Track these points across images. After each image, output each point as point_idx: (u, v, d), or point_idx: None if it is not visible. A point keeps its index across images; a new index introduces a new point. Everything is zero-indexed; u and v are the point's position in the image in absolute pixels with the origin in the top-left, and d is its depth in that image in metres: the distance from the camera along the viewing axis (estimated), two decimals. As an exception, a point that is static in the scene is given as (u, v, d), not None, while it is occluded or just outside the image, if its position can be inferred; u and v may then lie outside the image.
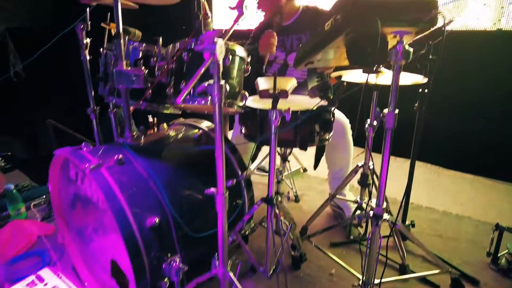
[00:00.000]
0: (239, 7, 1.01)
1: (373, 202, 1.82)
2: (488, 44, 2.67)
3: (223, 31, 0.94)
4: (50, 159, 1.48)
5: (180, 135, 1.61)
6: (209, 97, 1.28)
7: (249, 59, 1.47)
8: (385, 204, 1.36)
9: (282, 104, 1.30)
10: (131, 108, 1.48)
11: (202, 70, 0.89)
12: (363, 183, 1.84)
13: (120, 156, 1.27)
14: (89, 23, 1.79)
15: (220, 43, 0.90)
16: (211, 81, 0.95)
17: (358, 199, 1.94)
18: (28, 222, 2.08)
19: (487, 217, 2.19)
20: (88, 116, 1.95)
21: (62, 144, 2.80)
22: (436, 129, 2.82)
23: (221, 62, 0.92)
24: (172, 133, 1.60)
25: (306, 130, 1.49)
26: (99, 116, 1.97)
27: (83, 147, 1.36)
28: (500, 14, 2.61)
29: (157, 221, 1.19)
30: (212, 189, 1.07)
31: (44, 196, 2.45)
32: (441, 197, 2.49)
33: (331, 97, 1.39)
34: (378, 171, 1.74)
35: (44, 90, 3.66)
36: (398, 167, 2.72)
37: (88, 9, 1.78)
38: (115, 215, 1.13)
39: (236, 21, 1.02)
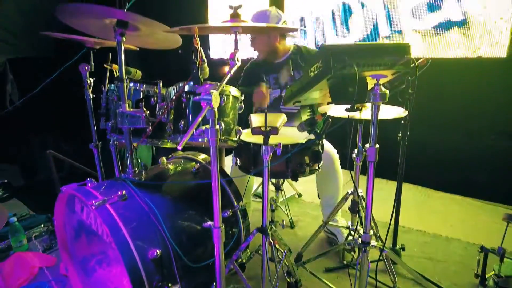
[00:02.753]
0: (232, 59, 1.14)
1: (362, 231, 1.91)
2: (470, 70, 2.82)
3: (217, 84, 1.07)
4: (49, 187, 1.55)
5: (179, 169, 1.71)
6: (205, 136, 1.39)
7: (242, 98, 1.60)
8: (374, 228, 1.45)
9: (273, 138, 1.42)
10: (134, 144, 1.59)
11: (200, 118, 1.00)
12: (353, 209, 1.94)
13: (123, 192, 1.37)
14: (93, 65, 1.92)
15: (215, 94, 1.02)
16: (207, 126, 1.06)
17: (350, 225, 2.02)
18: (30, 254, 2.13)
19: (475, 239, 2.27)
20: (87, 146, 2.05)
21: (61, 172, 2.87)
22: (425, 152, 2.95)
23: (216, 110, 1.03)
24: (171, 166, 1.70)
25: (297, 162, 1.60)
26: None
27: (87, 183, 1.45)
28: (480, 43, 2.79)
29: (158, 253, 1.27)
30: (209, 223, 1.16)
31: (42, 225, 2.48)
32: (431, 219, 2.57)
33: (318, 132, 1.51)
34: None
35: (43, 120, 3.74)
36: (390, 189, 2.81)
37: (91, 52, 1.92)
38: (119, 248, 1.21)
39: (229, 72, 1.14)
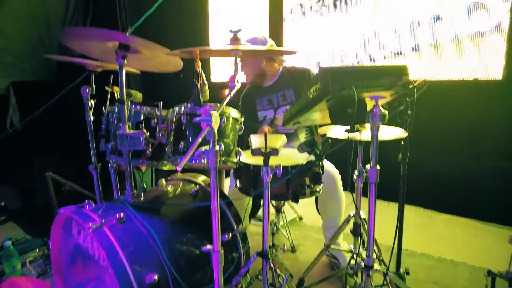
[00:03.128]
0: (232, 81, 1.16)
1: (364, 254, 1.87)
2: (467, 92, 2.85)
3: (218, 105, 1.07)
4: (47, 211, 1.53)
5: (178, 191, 1.69)
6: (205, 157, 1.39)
7: (242, 119, 1.60)
8: (377, 251, 1.42)
9: (273, 159, 1.41)
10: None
11: (200, 139, 1.00)
12: (356, 232, 1.90)
13: (121, 214, 1.34)
14: (94, 87, 1.95)
15: (215, 115, 1.02)
16: (207, 147, 1.06)
17: (352, 248, 1.98)
18: (24, 279, 2.08)
19: (482, 262, 2.22)
20: (87, 168, 2.04)
21: (60, 195, 2.84)
22: (425, 173, 2.94)
23: (216, 131, 1.03)
24: (170, 189, 1.69)
25: (297, 183, 1.58)
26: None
27: (85, 205, 1.43)
28: (477, 65, 2.83)
29: (156, 278, 1.23)
30: (208, 247, 1.13)
31: (37, 249, 2.43)
32: (435, 242, 2.52)
33: (318, 153, 1.50)
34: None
35: (42, 142, 3.75)
36: (392, 212, 2.75)
37: (93, 75, 1.95)
38: (116, 273, 1.17)
39: (229, 94, 1.15)
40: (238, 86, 1.17)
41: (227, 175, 2.73)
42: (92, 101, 1.96)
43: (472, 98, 2.85)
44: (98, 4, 4.49)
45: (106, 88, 1.95)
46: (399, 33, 3.09)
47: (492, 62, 2.76)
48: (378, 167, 1.30)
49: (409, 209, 2.89)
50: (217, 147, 1.06)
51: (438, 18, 2.90)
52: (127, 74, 2.05)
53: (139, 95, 1.88)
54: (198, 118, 1.02)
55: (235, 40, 1.24)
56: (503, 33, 2.66)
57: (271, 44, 2.24)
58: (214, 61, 4.26)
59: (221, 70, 4.21)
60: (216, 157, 1.05)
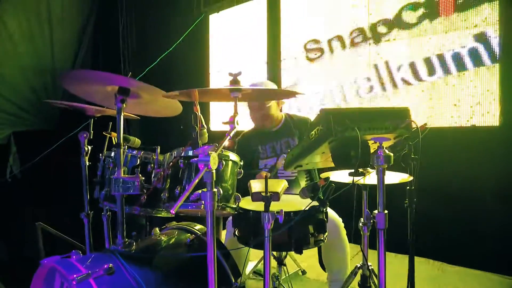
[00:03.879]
0: (231, 122, 1.13)
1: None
2: (465, 139, 2.85)
3: (216, 145, 1.03)
4: (35, 265, 1.41)
5: (172, 240, 1.59)
6: (202, 202, 1.32)
7: (241, 163, 1.55)
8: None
9: (274, 206, 1.33)
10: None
11: (197, 180, 0.94)
12: (364, 285, 1.75)
13: (110, 265, 1.24)
14: (92, 132, 1.93)
15: (214, 155, 0.97)
16: (204, 189, 1.00)
17: (361, 304, 1.81)
18: None
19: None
20: (81, 221, 1.95)
21: (50, 248, 2.69)
22: (433, 223, 2.81)
23: (214, 172, 0.98)
24: (164, 238, 1.58)
25: (300, 232, 1.48)
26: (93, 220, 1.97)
27: (72, 255, 1.33)
28: (472, 112, 2.86)
29: None
30: (204, 302, 1.02)
31: (18, 310, 2.24)
32: (450, 298, 2.34)
33: (322, 198, 1.43)
34: (377, 271, 1.68)
35: (38, 190, 3.67)
36: (400, 264, 2.61)
37: (92, 120, 1.94)
38: (98, 334, 1.04)
39: (228, 135, 1.12)
40: (237, 127, 1.14)
41: (224, 227, 2.62)
42: (89, 147, 1.92)
43: (471, 144, 2.83)
44: (106, 59, 4.69)
45: (104, 133, 1.93)
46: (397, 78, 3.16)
47: (487, 109, 2.78)
48: (386, 211, 1.23)
49: (417, 261, 2.70)
50: (215, 189, 1.00)
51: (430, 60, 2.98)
52: (126, 120, 2.06)
53: (137, 141, 1.86)
54: (196, 159, 0.97)
55: (234, 83, 1.24)
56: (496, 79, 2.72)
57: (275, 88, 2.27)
58: (213, 110, 4.32)
59: (221, 118, 4.26)
60: (213, 200, 0.98)
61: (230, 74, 1.18)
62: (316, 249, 1.97)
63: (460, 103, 2.89)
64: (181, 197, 0.94)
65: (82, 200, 1.94)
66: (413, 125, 1.33)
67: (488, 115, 2.79)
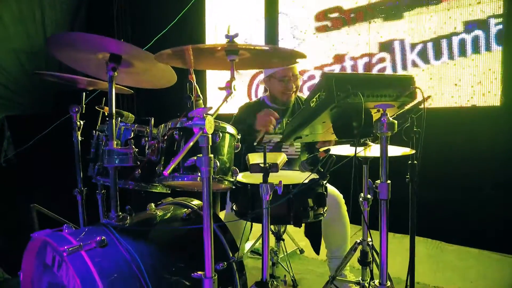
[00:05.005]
0: (228, 87, 1.07)
1: (376, 282, 1.69)
2: (466, 117, 2.81)
3: (212, 108, 0.97)
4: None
5: (168, 215, 1.54)
6: (199, 174, 1.27)
7: (239, 136, 1.50)
8: (389, 283, 1.26)
9: (273, 179, 1.29)
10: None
11: (192, 143, 0.89)
12: (364, 261, 1.73)
13: (103, 237, 1.19)
14: (84, 106, 1.86)
15: (209, 118, 0.92)
16: (200, 155, 0.95)
17: (360, 280, 1.80)
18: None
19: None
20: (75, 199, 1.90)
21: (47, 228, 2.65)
22: (432, 202, 2.79)
23: (210, 136, 0.93)
24: (160, 212, 1.54)
25: (300, 205, 1.44)
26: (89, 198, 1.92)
27: (64, 229, 1.28)
28: (472, 92, 2.81)
29: (138, 312, 1.06)
30: (200, 273, 0.98)
31: (13, 290, 2.22)
32: (448, 275, 2.33)
33: (322, 170, 1.39)
34: (377, 247, 1.65)
35: (33, 174, 3.63)
36: (398, 243, 2.59)
37: (84, 93, 1.87)
38: (91, 306, 1.01)
39: (225, 99, 1.06)
40: (234, 93, 1.07)
41: (222, 208, 2.58)
42: (81, 122, 1.86)
43: (472, 123, 2.78)
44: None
45: (97, 107, 1.87)
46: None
47: (488, 89, 2.72)
48: (389, 181, 1.18)
49: (416, 240, 2.71)
50: (211, 155, 0.94)
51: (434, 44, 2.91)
52: (120, 95, 1.99)
53: (131, 116, 1.80)
54: (190, 122, 0.92)
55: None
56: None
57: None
58: (210, 91, 4.22)
59: (217, 99, 4.16)
60: (209, 166, 0.93)
61: (227, 36, 1.10)
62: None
63: (461, 83, 2.83)
64: (175, 158, 0.88)
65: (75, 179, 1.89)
66: (419, 93, 1.28)
67: (489, 95, 2.75)
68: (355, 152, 1.24)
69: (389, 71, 3.09)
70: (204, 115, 0.91)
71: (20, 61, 3.96)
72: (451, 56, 2.84)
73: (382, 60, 3.12)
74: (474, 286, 2.17)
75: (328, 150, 1.39)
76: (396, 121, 1.16)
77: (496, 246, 2.65)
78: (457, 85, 2.87)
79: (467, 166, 2.78)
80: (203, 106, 1.35)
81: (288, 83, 2.11)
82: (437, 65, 2.89)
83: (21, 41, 3.93)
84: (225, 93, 1.09)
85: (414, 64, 2.95)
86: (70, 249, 1.08)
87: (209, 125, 0.92)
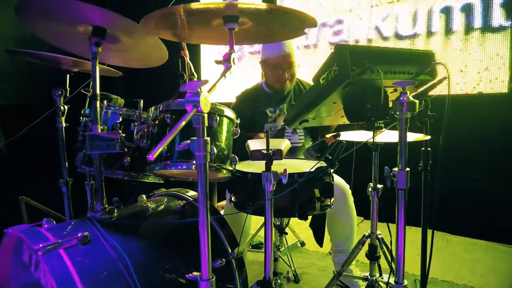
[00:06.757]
0: (227, 60, 0.92)
1: (385, 278, 1.57)
2: (473, 105, 2.68)
3: (208, 81, 0.82)
4: None
5: (161, 207, 1.41)
6: (193, 161, 1.13)
7: (238, 121, 1.35)
8: (406, 282, 1.14)
9: (276, 167, 1.15)
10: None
11: (183, 123, 0.75)
12: (372, 256, 1.61)
13: (86, 233, 1.06)
14: (68, 89, 1.71)
15: (205, 94, 0.77)
16: (193, 138, 0.80)
17: (368, 275, 1.68)
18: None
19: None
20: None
21: (36, 223, 2.53)
22: (438, 193, 2.68)
23: (206, 115, 0.78)
24: (151, 205, 1.40)
25: (305, 196, 1.31)
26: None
27: (43, 224, 1.15)
28: (479, 78, 2.69)
29: (125, 318, 0.93)
30: (195, 274, 0.85)
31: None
32: (457, 268, 2.23)
33: (331, 157, 1.25)
34: (386, 240, 1.53)
35: (23, 165, 3.49)
36: (406, 235, 2.49)
37: (68, 75, 1.71)
38: (70, 312, 0.87)
39: (223, 74, 0.91)
40: (234, 66, 0.93)
41: (219, 200, 2.44)
42: (65, 106, 1.71)
43: (478, 110, 2.66)
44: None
45: (83, 91, 1.71)
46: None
47: (495, 75, 2.61)
48: (408, 169, 1.05)
49: (420, 231, 2.62)
50: (207, 138, 0.80)
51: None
52: (109, 78, 1.83)
53: (120, 100, 1.64)
54: (182, 99, 0.77)
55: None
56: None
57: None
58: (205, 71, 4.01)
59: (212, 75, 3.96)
60: (205, 151, 0.79)
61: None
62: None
63: (467, 69, 2.71)
64: (163, 141, 0.74)
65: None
66: (439, 71, 1.14)
67: (496, 81, 2.63)
68: (374, 136, 1.10)
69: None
70: (199, 90, 0.77)
71: (7, 48, 3.79)
72: (456, 39, 2.71)
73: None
74: (484, 280, 2.07)
75: (338, 135, 1.25)
76: (417, 101, 1.03)
77: (504, 237, 2.56)
78: (462, 71, 2.74)
79: (473, 155, 2.69)
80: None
81: (282, 71, 1.95)
82: (443, 49, 2.77)
83: (7, 27, 3.76)
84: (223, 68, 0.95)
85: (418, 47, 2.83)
86: (47, 247, 0.94)
87: (205, 103, 0.78)
